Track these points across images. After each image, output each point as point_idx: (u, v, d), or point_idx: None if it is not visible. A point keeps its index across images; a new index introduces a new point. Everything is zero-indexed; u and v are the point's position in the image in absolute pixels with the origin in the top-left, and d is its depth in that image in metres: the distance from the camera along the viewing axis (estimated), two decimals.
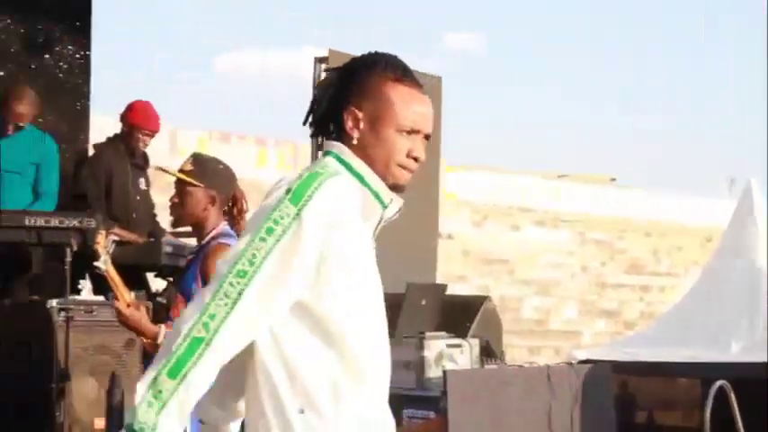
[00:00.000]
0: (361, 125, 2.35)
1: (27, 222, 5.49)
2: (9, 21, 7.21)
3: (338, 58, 8.22)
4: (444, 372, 5.55)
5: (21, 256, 5.74)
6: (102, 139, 6.78)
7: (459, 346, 5.95)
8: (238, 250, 2.23)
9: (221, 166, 4.02)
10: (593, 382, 6.13)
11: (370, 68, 2.38)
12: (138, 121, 6.52)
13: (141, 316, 3.74)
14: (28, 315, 5.39)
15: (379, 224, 2.39)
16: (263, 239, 2.21)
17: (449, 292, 6.80)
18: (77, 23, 7.48)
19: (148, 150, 6.77)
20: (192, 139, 10.08)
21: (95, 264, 3.82)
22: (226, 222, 4.00)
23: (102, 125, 7.33)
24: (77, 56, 7.46)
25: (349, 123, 2.36)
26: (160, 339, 3.64)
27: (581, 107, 32.03)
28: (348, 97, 2.37)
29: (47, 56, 7.36)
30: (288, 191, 2.24)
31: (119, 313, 3.76)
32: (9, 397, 5.17)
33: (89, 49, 7.47)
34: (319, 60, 8.15)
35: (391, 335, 6.80)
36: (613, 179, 15.53)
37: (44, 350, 5.16)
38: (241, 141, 10.49)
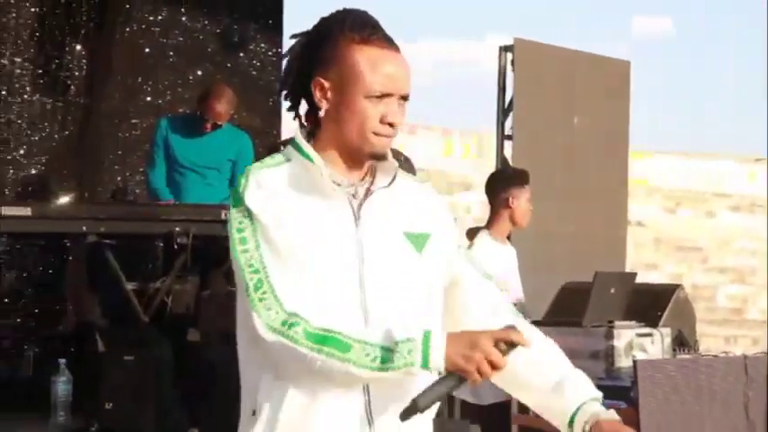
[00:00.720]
0: (329, 95, 2.19)
1: (223, 216, 5.69)
2: (206, 21, 7.50)
3: (524, 46, 8.19)
4: (635, 361, 5.47)
5: (217, 248, 5.94)
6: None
7: (649, 335, 5.85)
8: (237, 270, 2.17)
9: (402, 158, 4.08)
10: None
11: (333, 31, 2.20)
12: None
13: None
14: (225, 306, 5.59)
15: (367, 195, 2.23)
16: (245, 251, 2.16)
17: (639, 280, 6.68)
18: (270, 22, 7.73)
19: None
20: None
21: None
22: None
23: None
24: (270, 53, 7.70)
25: (316, 95, 2.20)
26: None
27: None
28: (314, 66, 2.21)
29: (241, 54, 7.63)
30: (232, 199, 2.21)
31: None
32: (210, 385, 5.38)
33: (281, 47, 7.70)
34: (505, 49, 8.12)
35: (579, 324, 6.72)
36: None
37: None
38: (427, 132, 10.59)
